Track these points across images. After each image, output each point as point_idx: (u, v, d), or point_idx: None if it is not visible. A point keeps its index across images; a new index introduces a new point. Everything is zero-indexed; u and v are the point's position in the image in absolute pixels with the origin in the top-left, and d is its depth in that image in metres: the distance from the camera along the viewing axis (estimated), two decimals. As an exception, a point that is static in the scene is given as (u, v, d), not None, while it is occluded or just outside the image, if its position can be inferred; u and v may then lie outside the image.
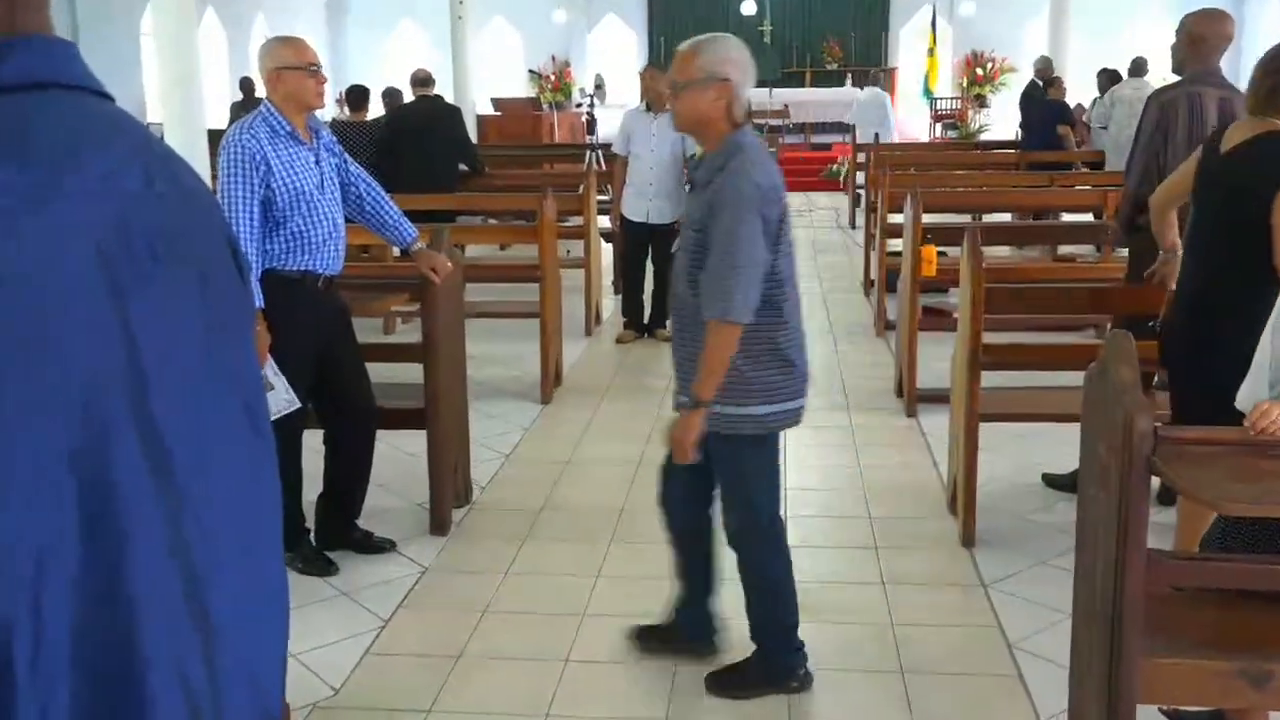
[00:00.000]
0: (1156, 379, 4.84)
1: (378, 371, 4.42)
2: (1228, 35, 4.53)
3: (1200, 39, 4.50)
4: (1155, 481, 2.49)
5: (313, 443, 4.14)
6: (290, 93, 3.83)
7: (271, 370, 3.73)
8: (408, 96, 9.41)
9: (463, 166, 8.92)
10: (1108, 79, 11.83)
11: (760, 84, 15.79)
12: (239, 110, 12.51)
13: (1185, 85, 4.54)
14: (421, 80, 8.95)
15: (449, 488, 4.47)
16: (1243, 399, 2.76)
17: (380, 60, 21.42)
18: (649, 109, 7.43)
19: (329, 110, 17.32)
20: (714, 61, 3.03)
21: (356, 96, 9.46)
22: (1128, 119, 9.77)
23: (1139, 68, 10.45)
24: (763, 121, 14.16)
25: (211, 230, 0.93)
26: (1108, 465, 2.47)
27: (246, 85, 13.89)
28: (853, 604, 3.80)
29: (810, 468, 5.16)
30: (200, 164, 7.73)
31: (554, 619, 3.69)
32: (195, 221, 0.91)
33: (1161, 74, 13.06)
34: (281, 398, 3.74)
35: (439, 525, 4.41)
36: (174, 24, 7.60)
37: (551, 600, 3.83)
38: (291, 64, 3.84)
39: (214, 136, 8.43)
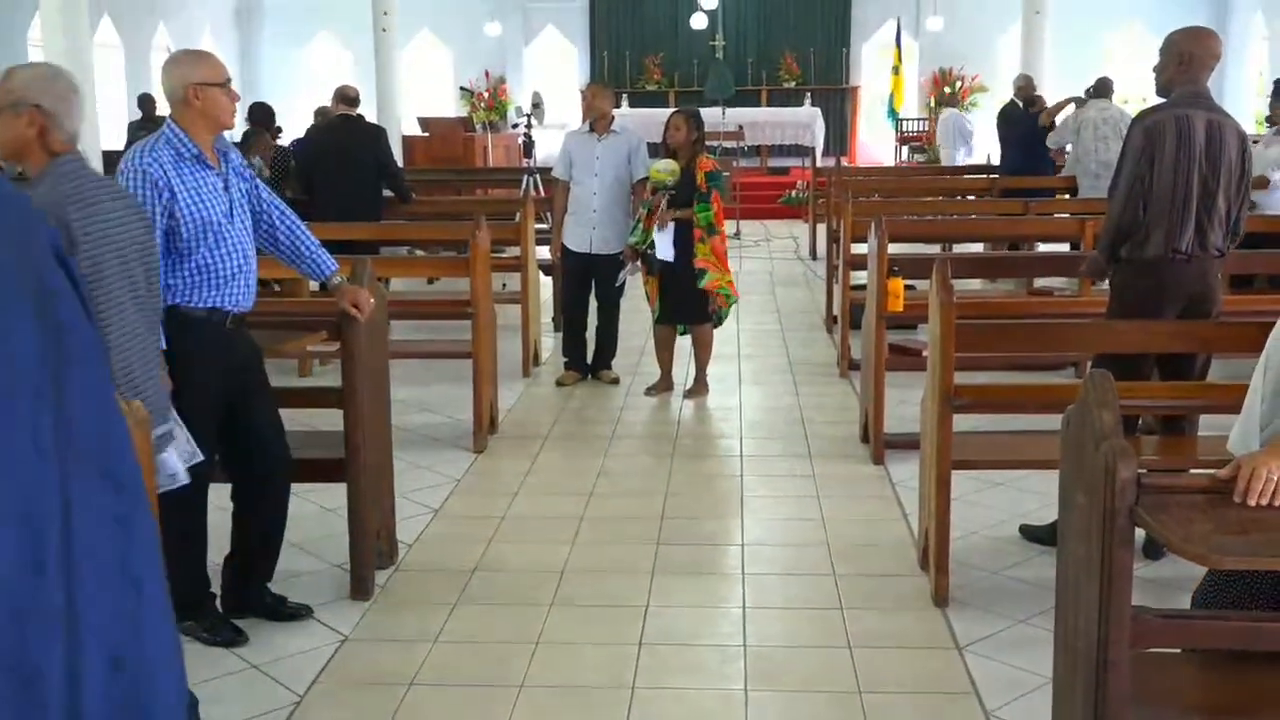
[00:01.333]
0: (1141, 422, 4.93)
1: (293, 418, 4.37)
2: (1217, 54, 4.64)
3: (1190, 57, 4.60)
4: (1141, 533, 2.53)
5: (219, 498, 4.09)
6: (207, 111, 3.82)
7: (173, 419, 3.68)
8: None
9: (388, 193, 8.91)
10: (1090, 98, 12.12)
11: (713, 103, 15.95)
12: (137, 130, 12.41)
13: (1172, 107, 4.63)
14: (347, 98, 8.94)
15: (371, 547, 4.43)
16: (1234, 442, 2.82)
17: (296, 76, 21.37)
18: (592, 130, 7.49)
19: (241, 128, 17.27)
20: (23, 87, 3.26)
21: (260, 116, 9.44)
22: (1094, 142, 10.01)
23: (1103, 88, 10.70)
24: (715, 144, 14.25)
25: (43, 252, 0.87)
26: (1088, 516, 2.51)
27: (146, 103, 13.79)
28: (816, 669, 3.81)
29: (769, 521, 5.18)
30: (94, 189, 7.65)
31: (488, 691, 3.66)
32: (27, 244, 0.86)
33: (1143, 94, 13.33)
34: (184, 449, 3.69)
35: (360, 589, 4.36)
36: (65, 34, 7.56)
37: (484, 672, 3.80)
38: (210, 80, 3.83)
39: (109, 158, 8.37)
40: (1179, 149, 4.52)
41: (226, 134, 4.04)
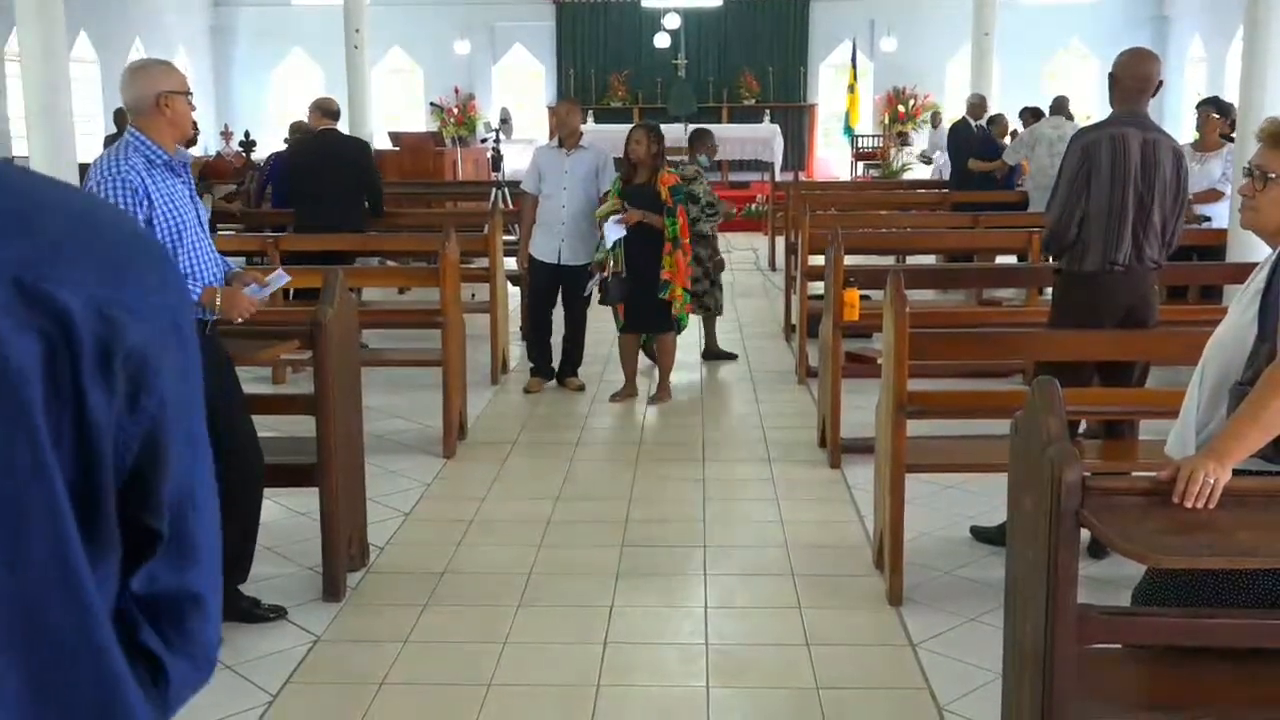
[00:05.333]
0: (1084, 426, 4.98)
1: (266, 424, 4.34)
2: (1145, 76, 4.70)
3: (1117, 80, 4.69)
4: (1086, 534, 2.56)
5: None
6: (174, 120, 3.77)
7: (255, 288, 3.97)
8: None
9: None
10: (1031, 117, 12.23)
11: (675, 120, 15.98)
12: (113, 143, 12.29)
13: (1108, 126, 4.71)
14: (329, 112, 8.79)
15: (343, 550, 4.41)
16: (1172, 446, 2.85)
17: (268, 91, 21.24)
18: (561, 145, 7.49)
19: (215, 144, 17.09)
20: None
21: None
22: (1049, 158, 10.13)
23: (1060, 106, 10.84)
24: (678, 159, 14.25)
25: None
26: (1035, 518, 2.53)
27: (121, 116, 13.65)
28: (775, 667, 3.82)
29: (730, 524, 5.19)
30: (70, 201, 7.58)
31: (456, 690, 3.65)
32: None
33: (1087, 112, 13.49)
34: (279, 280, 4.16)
35: (332, 590, 4.33)
36: (42, 48, 7.47)
37: (454, 671, 3.79)
38: (179, 89, 3.79)
39: (86, 171, 8.29)
40: (1114, 166, 4.59)
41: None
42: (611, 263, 6.91)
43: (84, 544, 0.95)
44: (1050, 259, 4.94)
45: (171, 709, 1.08)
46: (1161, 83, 4.78)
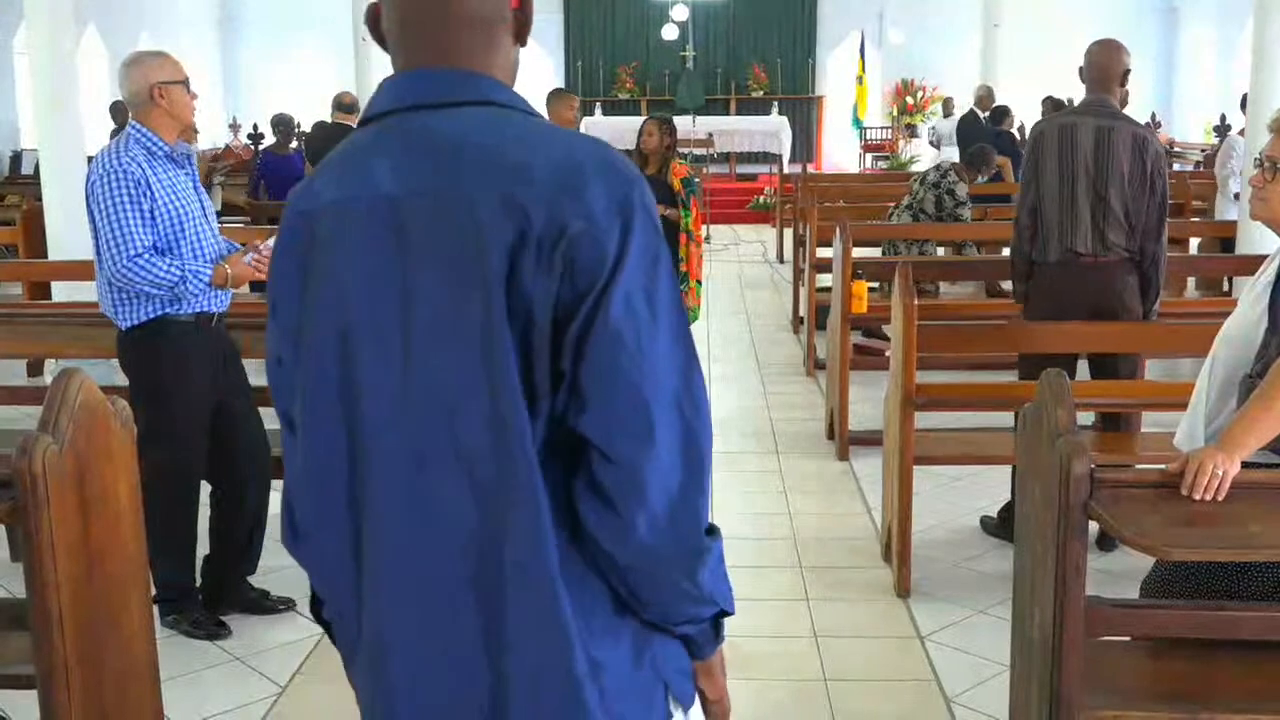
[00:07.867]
0: (1095, 419, 4.96)
1: (271, 416, 4.34)
2: (1103, 65, 4.60)
3: (1081, 70, 4.67)
4: (1094, 526, 2.55)
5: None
6: (172, 110, 3.74)
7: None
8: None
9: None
10: (1052, 107, 12.15)
11: (683, 112, 15.94)
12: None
13: (1060, 116, 4.72)
14: (344, 106, 8.85)
15: (352, 542, 4.39)
16: (1180, 438, 2.84)
17: (275, 83, 21.23)
18: None
19: (224, 136, 17.09)
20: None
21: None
22: None
23: None
24: (686, 151, 14.24)
25: None
26: (1044, 510, 2.53)
27: (118, 112, 13.66)
28: (783, 659, 3.82)
29: (737, 515, 5.19)
30: (79, 194, 7.59)
31: (466, 682, 3.65)
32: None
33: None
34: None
35: (341, 583, 4.32)
36: (50, 41, 7.46)
37: (463, 662, 3.79)
38: (174, 79, 3.75)
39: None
40: (1060, 155, 4.56)
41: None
42: None
43: (523, 384, 1.34)
44: (1012, 254, 4.90)
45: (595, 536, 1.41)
46: (1128, 71, 4.61)
